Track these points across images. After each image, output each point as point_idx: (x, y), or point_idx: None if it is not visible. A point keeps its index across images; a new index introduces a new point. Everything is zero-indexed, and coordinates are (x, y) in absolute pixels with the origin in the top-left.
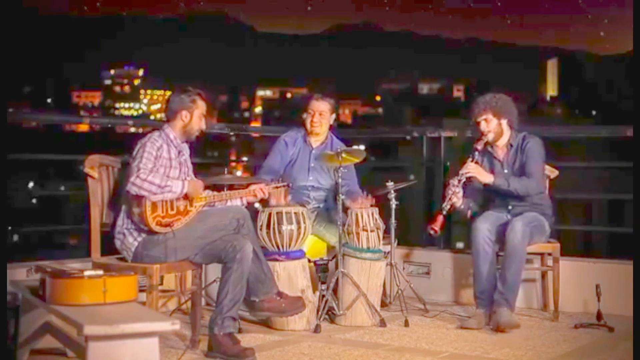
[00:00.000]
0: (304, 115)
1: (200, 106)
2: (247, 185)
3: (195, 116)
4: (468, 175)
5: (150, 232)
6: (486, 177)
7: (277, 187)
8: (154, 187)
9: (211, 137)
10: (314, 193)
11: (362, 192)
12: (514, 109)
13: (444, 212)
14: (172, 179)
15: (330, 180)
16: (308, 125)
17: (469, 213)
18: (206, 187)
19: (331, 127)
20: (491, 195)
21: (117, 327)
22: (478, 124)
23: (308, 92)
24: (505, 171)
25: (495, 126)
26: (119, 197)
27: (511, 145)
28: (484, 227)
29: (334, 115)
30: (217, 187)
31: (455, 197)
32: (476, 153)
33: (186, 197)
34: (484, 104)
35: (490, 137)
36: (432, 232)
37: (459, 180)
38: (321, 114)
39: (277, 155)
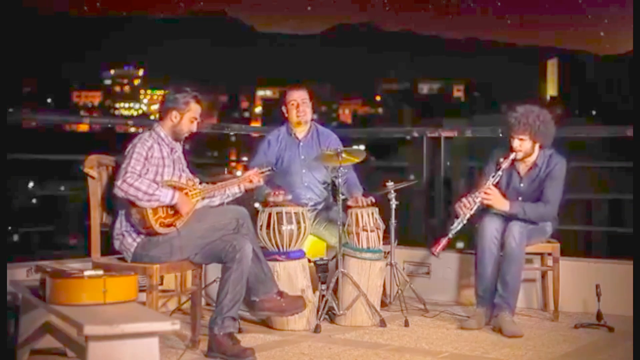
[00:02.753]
0: (284, 109)
1: (193, 109)
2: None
3: (186, 118)
4: (485, 203)
5: (154, 234)
6: (503, 206)
7: (262, 172)
8: (140, 193)
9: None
10: (310, 194)
11: (360, 183)
12: (552, 133)
13: (450, 235)
14: (162, 187)
15: (325, 171)
16: (294, 117)
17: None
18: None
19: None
20: None
21: (117, 327)
22: (512, 138)
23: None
24: (522, 185)
25: (528, 148)
26: (116, 198)
27: (536, 164)
28: (492, 227)
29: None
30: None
31: (465, 219)
32: (499, 172)
33: (173, 208)
34: (525, 127)
35: (519, 155)
36: (433, 254)
37: (474, 202)
38: (303, 101)
39: (261, 156)
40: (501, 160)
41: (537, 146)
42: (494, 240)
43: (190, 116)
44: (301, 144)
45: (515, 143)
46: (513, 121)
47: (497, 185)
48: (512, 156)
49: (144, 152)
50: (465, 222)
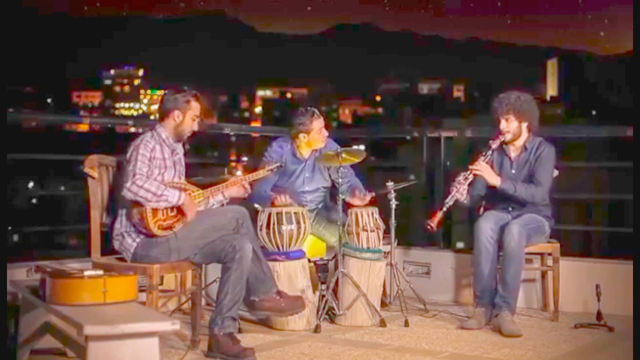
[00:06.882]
0: (303, 136)
1: (194, 107)
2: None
3: (188, 117)
4: (476, 173)
5: (152, 235)
6: (494, 179)
7: (271, 170)
8: (150, 194)
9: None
10: (310, 195)
11: (363, 185)
12: (536, 113)
13: (445, 208)
14: (169, 187)
15: (324, 180)
16: (319, 143)
17: (481, 210)
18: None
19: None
20: (493, 195)
21: (117, 327)
22: (498, 121)
23: (308, 92)
24: (513, 171)
25: (515, 128)
26: (116, 198)
27: (525, 148)
28: (487, 226)
29: None
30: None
31: (459, 193)
32: (490, 151)
33: (174, 209)
34: (508, 106)
35: (507, 137)
36: (428, 227)
37: (466, 178)
38: (324, 128)
39: (272, 155)
40: (490, 142)
41: (524, 128)
42: (490, 239)
43: (192, 114)
44: (308, 162)
45: (502, 124)
46: (496, 104)
47: (492, 166)
48: (500, 138)
49: (148, 153)
50: (458, 196)
